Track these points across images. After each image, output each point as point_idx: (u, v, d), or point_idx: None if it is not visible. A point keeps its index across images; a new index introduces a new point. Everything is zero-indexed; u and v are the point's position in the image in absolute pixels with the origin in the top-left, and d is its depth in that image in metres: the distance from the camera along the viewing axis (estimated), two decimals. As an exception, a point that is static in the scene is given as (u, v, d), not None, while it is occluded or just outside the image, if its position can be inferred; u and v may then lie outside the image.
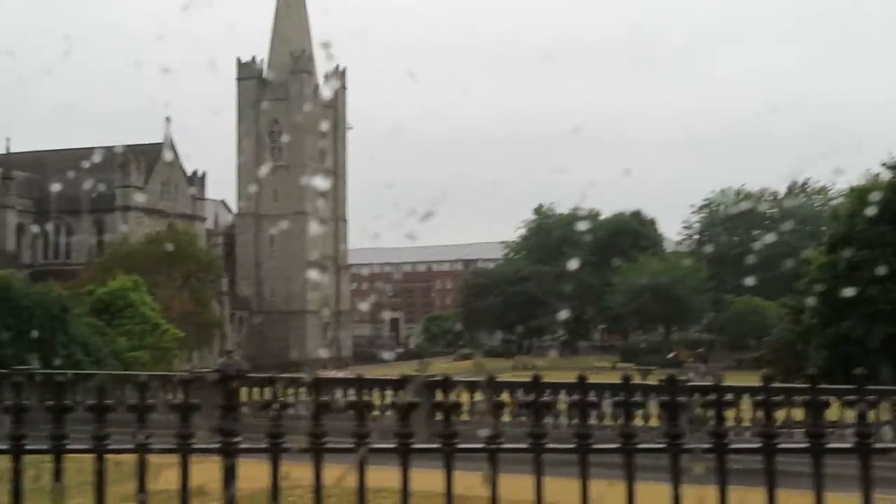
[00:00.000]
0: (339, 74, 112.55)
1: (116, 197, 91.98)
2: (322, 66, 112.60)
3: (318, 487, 3.42)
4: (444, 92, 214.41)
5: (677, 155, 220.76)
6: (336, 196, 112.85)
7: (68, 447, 3.46)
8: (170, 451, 3.44)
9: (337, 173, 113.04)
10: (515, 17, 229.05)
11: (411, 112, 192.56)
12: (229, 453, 3.41)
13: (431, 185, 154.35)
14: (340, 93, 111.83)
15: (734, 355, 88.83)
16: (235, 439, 3.41)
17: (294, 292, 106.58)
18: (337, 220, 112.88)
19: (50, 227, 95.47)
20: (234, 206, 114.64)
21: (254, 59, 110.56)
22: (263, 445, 3.41)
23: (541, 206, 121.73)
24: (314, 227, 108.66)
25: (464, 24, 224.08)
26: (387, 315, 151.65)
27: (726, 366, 72.99)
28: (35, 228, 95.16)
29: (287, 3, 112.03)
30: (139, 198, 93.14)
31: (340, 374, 57.03)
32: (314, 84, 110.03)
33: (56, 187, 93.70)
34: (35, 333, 33.14)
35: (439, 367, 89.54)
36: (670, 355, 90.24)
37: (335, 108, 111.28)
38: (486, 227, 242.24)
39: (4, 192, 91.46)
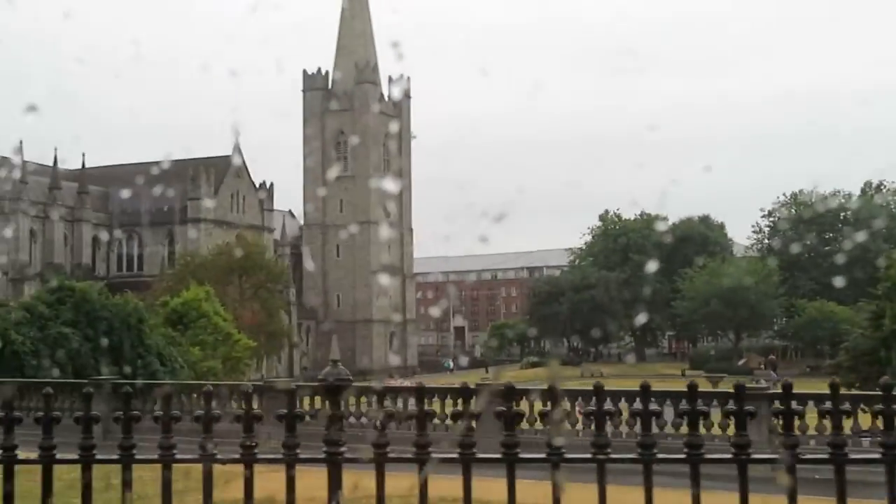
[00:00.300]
0: (404, 83, 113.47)
1: (187, 209, 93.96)
2: (387, 75, 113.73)
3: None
4: (508, 97, 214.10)
5: (747, 156, 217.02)
6: (401, 205, 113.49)
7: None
8: (276, 461, 3.44)
9: (402, 183, 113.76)
10: (582, 19, 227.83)
11: (475, 118, 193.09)
12: (336, 463, 3.39)
13: (496, 192, 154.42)
14: (405, 102, 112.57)
15: (807, 362, 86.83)
16: (341, 449, 3.40)
17: (360, 301, 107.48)
18: (402, 228, 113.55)
19: (123, 239, 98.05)
20: (300, 217, 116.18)
21: (319, 70, 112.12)
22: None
23: (606, 211, 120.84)
24: (380, 237, 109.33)
25: (528, 28, 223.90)
26: (452, 323, 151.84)
27: (799, 373, 71.42)
28: (108, 241, 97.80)
29: (352, 13, 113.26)
30: (209, 210, 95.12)
31: (406, 383, 57.27)
32: (379, 94, 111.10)
33: (128, 201, 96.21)
34: (104, 342, 34.09)
35: (506, 375, 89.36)
36: (740, 362, 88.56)
37: (400, 117, 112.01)
38: (551, 234, 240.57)
39: (80, 207, 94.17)
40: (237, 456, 3.46)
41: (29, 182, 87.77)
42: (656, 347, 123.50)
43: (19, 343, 33.40)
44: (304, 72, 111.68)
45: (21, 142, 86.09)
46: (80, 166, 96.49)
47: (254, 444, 3.44)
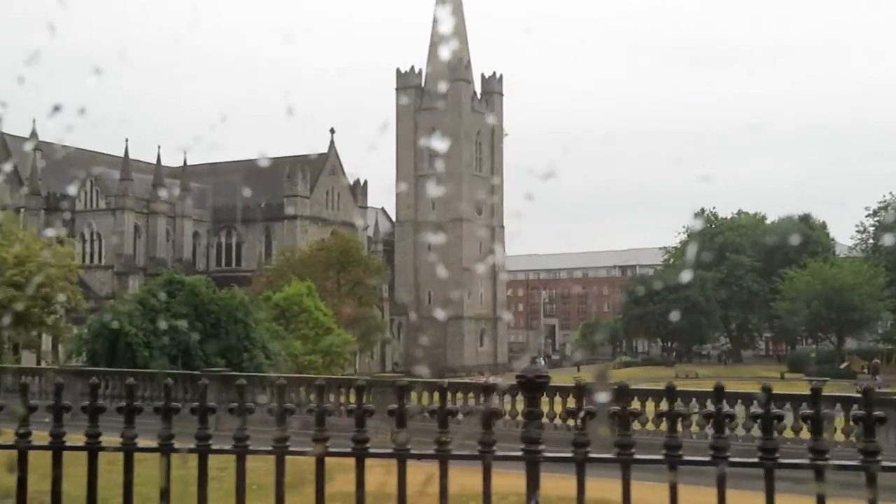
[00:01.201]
0: (496, 80, 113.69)
1: (284, 206, 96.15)
2: (480, 72, 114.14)
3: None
4: (602, 91, 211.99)
5: (848, 155, 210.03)
6: (493, 202, 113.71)
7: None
8: (467, 457, 3.40)
9: (494, 180, 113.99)
10: (673, 17, 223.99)
11: (568, 113, 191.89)
12: (534, 462, 3.28)
13: (588, 190, 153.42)
14: (497, 98, 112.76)
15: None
16: (540, 447, 3.30)
17: (451, 298, 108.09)
18: (493, 226, 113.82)
19: (222, 235, 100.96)
20: (392, 214, 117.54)
21: (412, 68, 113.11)
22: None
23: (702, 210, 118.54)
24: (471, 235, 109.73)
25: (623, 24, 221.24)
26: (543, 321, 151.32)
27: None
28: (208, 236, 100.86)
29: (445, 14, 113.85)
30: (305, 206, 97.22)
31: (500, 381, 57.54)
32: (472, 91, 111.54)
33: (227, 197, 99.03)
34: (195, 336, 35.16)
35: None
36: (843, 365, 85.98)
37: (492, 113, 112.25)
38: (644, 233, 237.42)
39: (181, 203, 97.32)
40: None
41: (133, 179, 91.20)
42: (753, 349, 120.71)
43: (132, 334, 34.82)
44: (398, 70, 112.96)
45: (126, 140, 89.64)
46: (181, 164, 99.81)
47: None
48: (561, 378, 68.61)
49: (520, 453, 3.29)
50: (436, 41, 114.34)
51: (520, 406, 21.11)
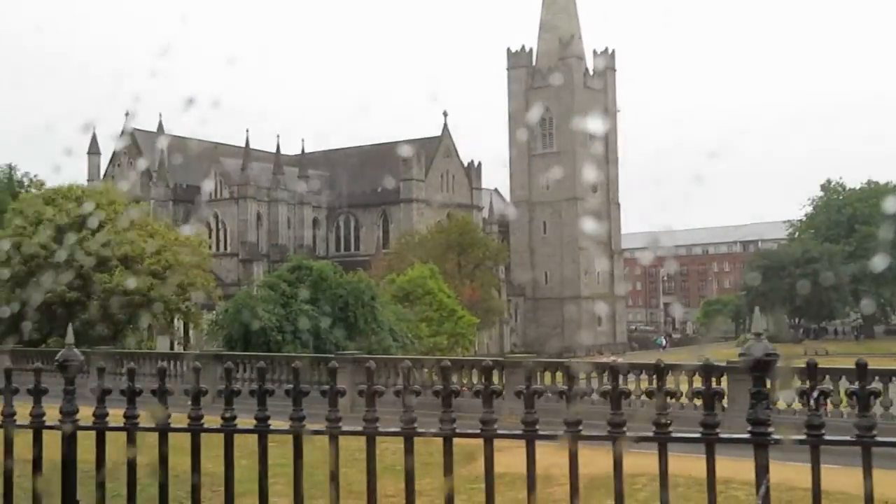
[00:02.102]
0: (608, 56, 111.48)
1: (399, 189, 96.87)
2: (591, 49, 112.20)
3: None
4: (720, 64, 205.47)
5: None
6: (608, 179, 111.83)
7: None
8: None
9: (608, 157, 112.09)
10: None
11: (684, 87, 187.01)
12: (762, 445, 3.22)
13: (705, 164, 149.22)
14: (610, 75, 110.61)
15: None
16: (769, 429, 3.21)
17: (568, 278, 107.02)
18: (609, 203, 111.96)
19: (340, 220, 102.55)
20: (506, 194, 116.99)
21: (523, 47, 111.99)
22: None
23: (829, 181, 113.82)
24: (586, 213, 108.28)
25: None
26: (662, 300, 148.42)
27: None
28: (327, 221, 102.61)
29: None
30: (420, 189, 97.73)
31: (620, 360, 56.45)
32: (583, 68, 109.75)
33: (344, 183, 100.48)
34: (326, 321, 35.50)
35: (721, 353, 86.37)
36: None
37: (605, 91, 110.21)
38: (765, 206, 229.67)
39: (301, 190, 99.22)
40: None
41: (255, 168, 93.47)
42: (886, 324, 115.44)
43: (265, 319, 35.56)
44: (508, 50, 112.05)
45: (247, 131, 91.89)
46: (299, 151, 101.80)
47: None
48: (683, 357, 67.05)
49: (746, 436, 3.22)
50: (545, 18, 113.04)
51: (643, 385, 20.66)
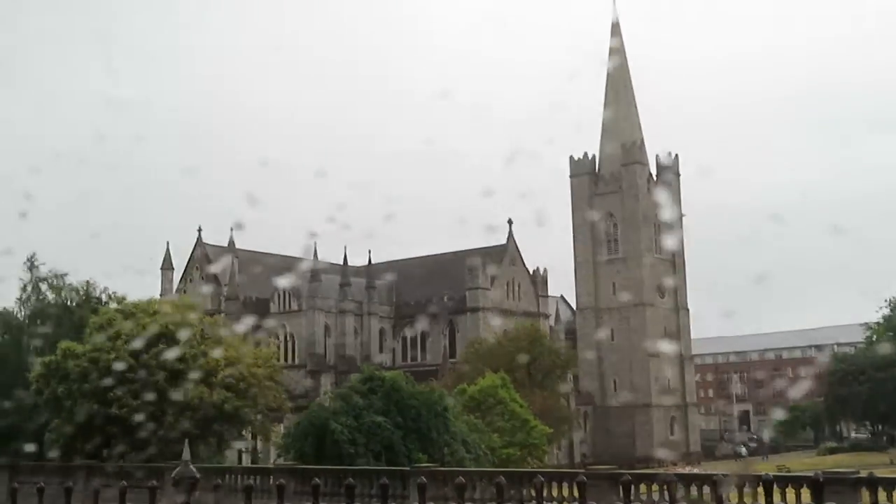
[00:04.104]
0: (672, 160, 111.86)
1: (466, 298, 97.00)
2: (654, 153, 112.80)
3: None
4: (782, 163, 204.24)
5: None
6: (676, 285, 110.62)
7: None
8: None
9: (675, 262, 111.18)
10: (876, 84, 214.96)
11: (750, 189, 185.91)
12: None
13: (776, 267, 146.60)
14: (674, 179, 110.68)
15: None
16: None
17: (637, 385, 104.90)
18: (678, 309, 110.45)
19: (407, 330, 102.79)
20: (572, 301, 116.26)
21: (585, 154, 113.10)
22: None
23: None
24: (654, 319, 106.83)
25: (795, 95, 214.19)
26: (735, 407, 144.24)
27: None
28: (393, 332, 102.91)
29: (616, 97, 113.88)
30: (487, 298, 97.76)
31: (695, 471, 54.47)
32: (647, 173, 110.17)
33: (411, 292, 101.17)
34: (398, 433, 34.97)
35: (802, 462, 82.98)
36: None
37: (670, 196, 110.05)
38: (840, 309, 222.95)
39: (368, 301, 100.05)
40: None
41: (322, 280, 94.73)
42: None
43: (338, 432, 35.29)
44: (571, 157, 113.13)
45: (315, 243, 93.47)
46: (366, 262, 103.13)
47: None
48: (765, 468, 64.44)
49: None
50: (607, 125, 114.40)
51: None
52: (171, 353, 40.86)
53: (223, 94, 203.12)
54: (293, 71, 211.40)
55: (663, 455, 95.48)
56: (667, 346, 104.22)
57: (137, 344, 39.96)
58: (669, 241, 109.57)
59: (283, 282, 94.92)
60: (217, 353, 42.40)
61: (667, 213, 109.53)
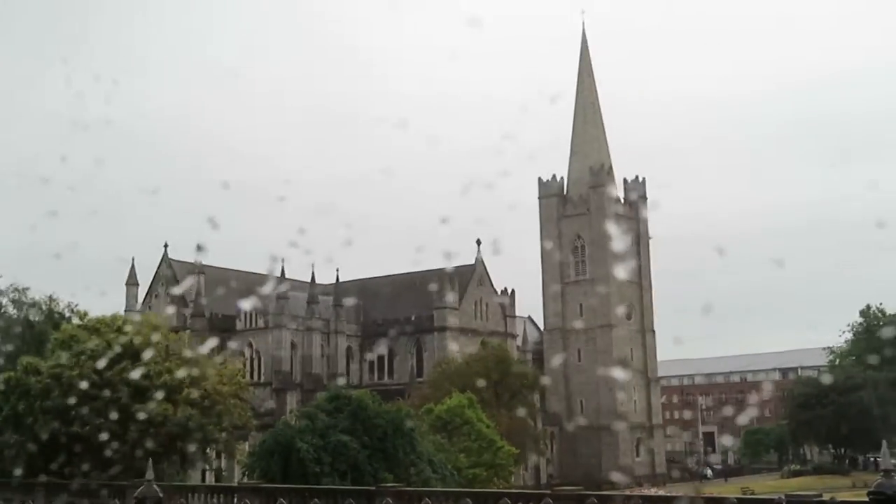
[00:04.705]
0: (639, 184, 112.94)
1: (433, 318, 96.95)
2: (622, 177, 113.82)
3: None
4: (746, 189, 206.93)
5: None
6: (642, 307, 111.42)
7: None
8: None
9: (642, 284, 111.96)
10: (829, 110, 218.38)
11: (713, 213, 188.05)
12: None
13: (738, 291, 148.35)
14: (641, 202, 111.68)
15: None
16: None
17: (604, 406, 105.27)
18: (644, 331, 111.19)
19: (374, 349, 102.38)
20: (540, 322, 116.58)
21: (554, 177, 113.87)
22: None
23: (868, 307, 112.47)
24: (621, 340, 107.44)
25: (767, 124, 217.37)
26: (701, 429, 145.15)
27: None
28: (360, 351, 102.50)
29: (584, 119, 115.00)
30: (455, 318, 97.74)
31: (661, 492, 54.69)
32: (614, 197, 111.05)
33: (378, 311, 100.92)
34: (364, 452, 34.71)
35: (766, 484, 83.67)
36: None
37: (637, 218, 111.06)
38: (802, 333, 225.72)
39: (336, 319, 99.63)
40: None
41: (290, 297, 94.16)
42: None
43: (304, 451, 35.06)
44: (539, 179, 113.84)
45: (283, 260, 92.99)
46: (334, 280, 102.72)
47: None
48: (728, 490, 64.82)
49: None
50: (576, 147, 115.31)
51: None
52: (136, 372, 40.37)
53: (186, 117, 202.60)
54: (252, 94, 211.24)
55: (617, 479, 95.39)
56: (620, 373, 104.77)
57: (101, 362, 39.41)
58: (635, 262, 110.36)
59: (249, 302, 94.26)
60: (181, 372, 41.91)
61: (633, 236, 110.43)
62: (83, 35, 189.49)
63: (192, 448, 44.09)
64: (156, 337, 45.25)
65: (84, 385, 38.73)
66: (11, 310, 62.69)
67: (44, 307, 61.45)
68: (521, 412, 77.60)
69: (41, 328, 56.87)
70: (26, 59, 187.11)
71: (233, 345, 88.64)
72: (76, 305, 59.84)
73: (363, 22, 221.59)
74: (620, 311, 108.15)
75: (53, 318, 59.50)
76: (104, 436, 36.66)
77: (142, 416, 38.49)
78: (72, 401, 38.83)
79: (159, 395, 40.44)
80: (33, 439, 40.62)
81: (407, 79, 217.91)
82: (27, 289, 62.40)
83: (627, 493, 37.07)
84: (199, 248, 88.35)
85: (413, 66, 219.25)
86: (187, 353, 47.10)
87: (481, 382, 62.49)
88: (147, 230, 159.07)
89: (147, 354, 42.56)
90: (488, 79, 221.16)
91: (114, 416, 37.47)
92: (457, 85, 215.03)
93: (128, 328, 46.24)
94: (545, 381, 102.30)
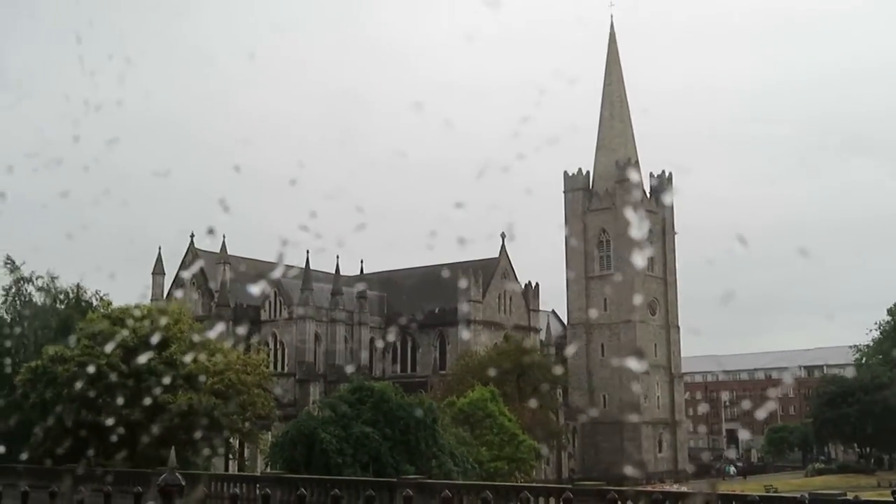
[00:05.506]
0: (666, 179, 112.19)
1: (457, 310, 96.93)
2: (648, 171, 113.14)
3: None
4: (776, 183, 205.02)
5: None
6: (667, 303, 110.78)
7: None
8: None
9: (667, 280, 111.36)
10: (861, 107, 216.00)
11: (743, 209, 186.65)
12: None
13: (767, 288, 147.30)
14: (667, 197, 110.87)
15: None
16: None
17: (626, 402, 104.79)
18: (669, 327, 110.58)
19: (398, 341, 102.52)
20: (563, 316, 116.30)
21: (580, 170, 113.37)
22: None
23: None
24: (645, 336, 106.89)
25: (783, 116, 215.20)
26: (724, 426, 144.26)
27: None
28: (384, 342, 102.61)
29: (611, 113, 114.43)
30: (478, 311, 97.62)
31: (684, 489, 54.37)
32: (640, 191, 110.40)
33: (402, 303, 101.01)
34: (386, 444, 34.75)
35: (790, 483, 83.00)
36: None
37: (663, 213, 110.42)
38: (831, 331, 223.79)
39: (359, 311, 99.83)
40: None
41: (314, 289, 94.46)
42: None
43: (326, 441, 35.17)
44: (565, 173, 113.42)
45: (308, 251, 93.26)
46: (358, 272, 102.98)
47: None
48: (751, 488, 64.36)
49: None
50: (602, 141, 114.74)
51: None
52: (160, 358, 40.71)
53: (203, 99, 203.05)
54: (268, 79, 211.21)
55: (631, 473, 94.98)
56: (635, 364, 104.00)
57: (127, 350, 39.77)
58: (661, 257, 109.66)
59: (275, 289, 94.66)
60: (203, 357, 42.22)
61: (659, 230, 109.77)
62: (96, 15, 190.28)
63: (215, 437, 44.49)
64: (180, 326, 45.65)
65: (113, 377, 39.07)
66: (38, 297, 63.07)
67: (71, 294, 61.82)
68: (533, 404, 77.66)
69: (66, 315, 57.22)
70: (38, 38, 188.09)
71: (256, 335, 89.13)
72: (105, 294, 60.08)
73: (383, 5, 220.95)
74: (645, 306, 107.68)
75: (80, 306, 59.85)
76: (127, 422, 37.03)
77: (170, 405, 38.88)
78: (94, 392, 39.18)
79: (184, 384, 40.79)
80: (60, 426, 41.07)
81: (428, 63, 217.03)
82: (56, 277, 62.72)
83: (649, 488, 36.89)
84: (210, 231, 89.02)
85: (445, 52, 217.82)
86: (211, 342, 47.44)
87: (503, 376, 62.35)
88: (166, 214, 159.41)
89: (172, 345, 42.95)
90: (513, 66, 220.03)
91: (145, 402, 37.82)
92: (480, 71, 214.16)
93: (154, 317, 46.65)
94: (570, 374, 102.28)
